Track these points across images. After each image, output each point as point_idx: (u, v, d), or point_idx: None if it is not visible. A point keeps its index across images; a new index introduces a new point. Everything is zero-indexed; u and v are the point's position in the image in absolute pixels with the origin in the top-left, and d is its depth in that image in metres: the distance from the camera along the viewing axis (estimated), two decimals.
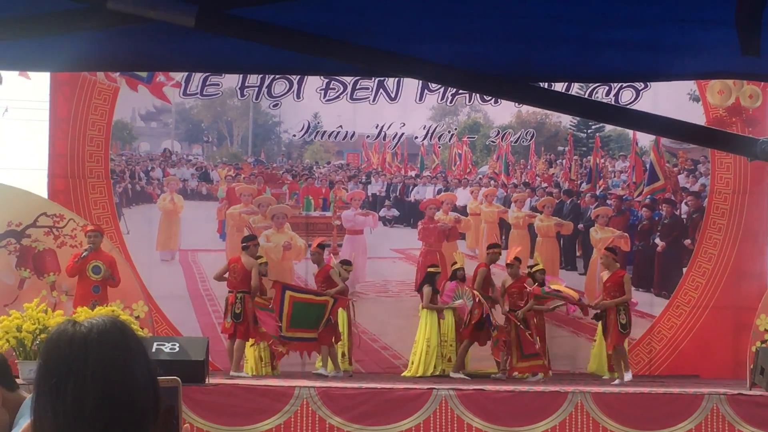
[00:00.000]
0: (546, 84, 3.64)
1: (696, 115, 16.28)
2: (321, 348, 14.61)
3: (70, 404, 2.09)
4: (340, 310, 15.09)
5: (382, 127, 17.17)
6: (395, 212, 17.34)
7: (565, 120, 17.31)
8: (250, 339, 14.44)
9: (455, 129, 17.37)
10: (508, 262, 15.27)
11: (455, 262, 15.96)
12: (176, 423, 2.32)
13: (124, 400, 2.12)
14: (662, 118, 3.10)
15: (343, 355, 15.47)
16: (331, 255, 16.00)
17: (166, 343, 12.80)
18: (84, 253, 14.20)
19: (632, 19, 2.78)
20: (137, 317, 14.32)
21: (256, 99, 17.15)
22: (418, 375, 14.97)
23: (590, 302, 15.15)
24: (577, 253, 17.14)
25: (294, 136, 17.30)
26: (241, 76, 16.38)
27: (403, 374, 15.29)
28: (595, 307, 14.76)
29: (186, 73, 16.57)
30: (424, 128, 17.26)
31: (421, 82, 16.05)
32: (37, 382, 2.16)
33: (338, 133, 17.20)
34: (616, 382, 14.09)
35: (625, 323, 14.28)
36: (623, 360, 14.42)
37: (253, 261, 14.36)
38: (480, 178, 17.36)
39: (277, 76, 16.39)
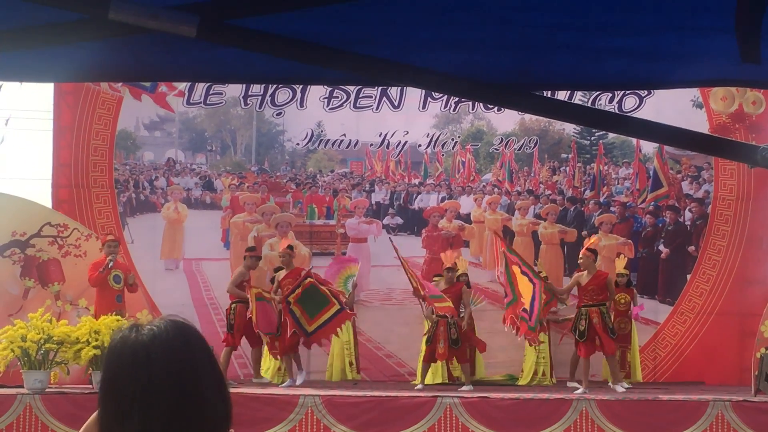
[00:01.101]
0: (548, 92, 3.64)
1: (699, 122, 16.27)
2: (284, 358, 14.40)
3: (139, 427, 2.04)
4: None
5: (386, 135, 17.18)
6: (399, 220, 17.34)
7: (569, 127, 17.30)
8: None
9: (458, 137, 17.38)
10: (447, 266, 14.89)
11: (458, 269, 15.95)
12: None
13: (193, 417, 2.05)
14: (663, 126, 3.10)
15: (351, 363, 15.46)
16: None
17: None
18: (110, 263, 14.19)
19: (632, 27, 2.78)
20: None
21: (260, 108, 17.17)
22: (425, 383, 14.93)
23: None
24: None
25: (297, 144, 17.31)
26: (245, 84, 16.40)
27: (413, 382, 15.22)
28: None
29: (189, 83, 16.60)
30: (427, 136, 17.27)
31: (424, 90, 16.06)
32: (103, 397, 2.10)
33: (342, 141, 17.21)
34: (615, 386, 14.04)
35: (613, 328, 14.11)
36: (615, 370, 14.19)
37: (239, 270, 14.54)
38: (483, 186, 17.36)
39: (280, 85, 16.42)
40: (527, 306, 13.59)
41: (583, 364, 14.10)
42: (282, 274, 14.60)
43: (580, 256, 14.57)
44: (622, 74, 3.09)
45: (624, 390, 13.67)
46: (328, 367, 15.62)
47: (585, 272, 14.23)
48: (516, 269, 13.83)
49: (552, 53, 2.93)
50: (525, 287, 13.70)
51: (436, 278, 15.56)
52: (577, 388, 13.65)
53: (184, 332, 2.13)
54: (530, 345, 15.07)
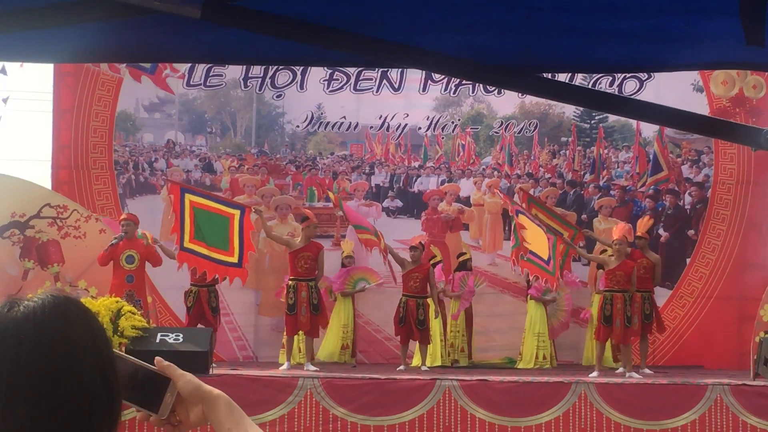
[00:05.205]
0: (550, 75, 3.64)
1: (699, 106, 16.26)
2: (306, 339, 14.19)
3: (1, 415, 1.74)
4: (344, 301, 15.22)
5: (386, 117, 17.17)
6: (399, 203, 17.34)
7: (569, 110, 17.30)
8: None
9: (458, 120, 17.37)
10: (413, 245, 14.83)
11: (464, 252, 15.96)
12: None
13: (63, 407, 1.75)
14: (667, 108, 3.10)
15: (344, 347, 15.43)
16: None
17: (170, 334, 12.82)
18: (113, 241, 14.10)
19: (636, 9, 2.78)
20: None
21: (260, 90, 17.15)
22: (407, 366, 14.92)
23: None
24: (581, 244, 17.12)
25: (297, 126, 17.30)
26: (245, 66, 16.38)
27: (411, 365, 15.22)
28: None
29: (189, 64, 16.57)
30: (427, 119, 17.26)
31: (424, 72, 16.05)
32: None
33: (341, 123, 17.20)
34: (620, 370, 14.02)
35: (649, 313, 14.22)
36: (628, 358, 14.19)
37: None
38: (483, 169, 17.36)
39: (281, 67, 16.39)
40: (544, 255, 13.82)
41: (597, 347, 14.15)
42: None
43: (638, 237, 14.63)
44: (627, 57, 3.08)
45: (638, 377, 13.58)
46: (321, 346, 15.45)
47: (613, 257, 14.16)
48: (524, 219, 14.21)
49: (557, 35, 2.93)
50: (536, 236, 13.94)
51: (431, 260, 15.55)
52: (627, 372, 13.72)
53: (65, 309, 1.81)
54: (552, 290, 15.03)
